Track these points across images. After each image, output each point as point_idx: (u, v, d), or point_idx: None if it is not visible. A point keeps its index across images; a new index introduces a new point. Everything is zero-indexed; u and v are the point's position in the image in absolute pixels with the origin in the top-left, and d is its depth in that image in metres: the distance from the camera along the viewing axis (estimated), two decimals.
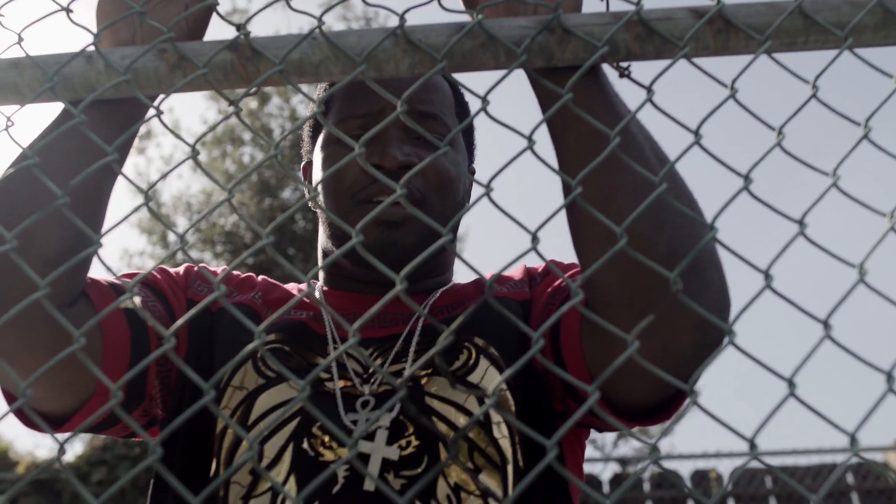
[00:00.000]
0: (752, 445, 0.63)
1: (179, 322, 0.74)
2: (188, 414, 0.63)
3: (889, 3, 0.82)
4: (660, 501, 6.36)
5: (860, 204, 0.73)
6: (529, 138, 0.77)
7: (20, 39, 0.90)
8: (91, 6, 0.99)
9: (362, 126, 1.14)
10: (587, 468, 6.95)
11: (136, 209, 0.79)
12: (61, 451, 0.69)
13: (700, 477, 6.38)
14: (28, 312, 0.82)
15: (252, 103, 9.06)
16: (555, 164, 0.92)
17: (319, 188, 1.15)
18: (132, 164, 9.46)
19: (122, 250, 8.54)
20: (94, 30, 0.92)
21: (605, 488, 6.56)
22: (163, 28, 0.88)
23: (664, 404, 0.98)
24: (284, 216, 0.75)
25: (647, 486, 6.52)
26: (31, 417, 0.69)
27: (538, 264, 1.22)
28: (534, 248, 0.73)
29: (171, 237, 8.70)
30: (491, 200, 0.75)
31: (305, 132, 1.29)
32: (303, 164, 1.30)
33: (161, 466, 0.60)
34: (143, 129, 9.15)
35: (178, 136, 0.82)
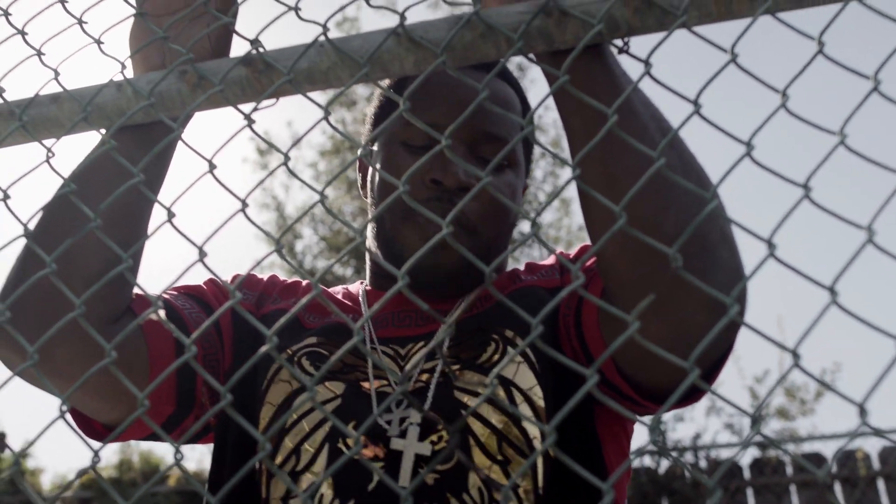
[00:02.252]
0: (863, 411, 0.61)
1: (196, 333, 0.77)
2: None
3: None
4: (804, 485, 6.13)
5: (868, 161, 0.69)
6: (528, 123, 0.77)
7: (57, 74, 0.96)
8: (123, 36, 1.05)
9: (427, 135, 1.12)
10: (726, 453, 6.76)
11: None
12: (95, 458, 0.74)
13: (846, 457, 6.11)
14: (73, 330, 0.87)
15: (343, 112, 9.19)
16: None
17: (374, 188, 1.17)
18: (256, 178, 9.76)
19: (252, 261, 8.81)
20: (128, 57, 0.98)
21: (746, 474, 6.38)
22: (182, 50, 0.92)
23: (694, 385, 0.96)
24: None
25: (789, 470, 6.30)
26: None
27: (574, 249, 1.20)
28: (534, 234, 0.73)
29: (299, 247, 8.94)
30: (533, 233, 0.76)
31: (367, 127, 1.29)
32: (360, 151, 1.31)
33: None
34: (264, 145, 9.42)
35: (270, 144, 0.86)
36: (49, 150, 0.92)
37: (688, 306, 0.83)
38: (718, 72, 0.76)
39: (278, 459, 1.01)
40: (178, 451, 0.73)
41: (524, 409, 1.00)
